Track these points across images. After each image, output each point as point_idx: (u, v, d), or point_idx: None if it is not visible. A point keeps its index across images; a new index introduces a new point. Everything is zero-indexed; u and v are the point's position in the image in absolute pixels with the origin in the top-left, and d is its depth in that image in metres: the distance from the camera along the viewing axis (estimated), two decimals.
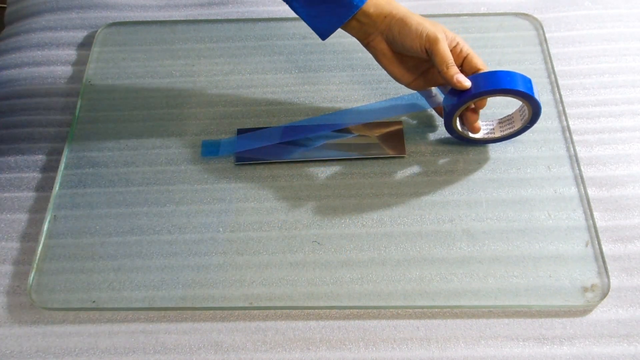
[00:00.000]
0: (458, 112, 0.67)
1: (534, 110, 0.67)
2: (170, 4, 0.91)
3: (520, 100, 0.66)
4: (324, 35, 0.70)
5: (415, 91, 0.73)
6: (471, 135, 0.72)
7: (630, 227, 0.67)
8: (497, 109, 0.75)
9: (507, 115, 0.72)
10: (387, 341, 0.61)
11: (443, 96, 0.68)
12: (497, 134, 0.72)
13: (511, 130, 0.71)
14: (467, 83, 0.64)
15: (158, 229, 0.69)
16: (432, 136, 0.75)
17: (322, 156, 0.73)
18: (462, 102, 0.66)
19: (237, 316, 0.63)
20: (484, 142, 0.73)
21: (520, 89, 0.64)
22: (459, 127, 0.70)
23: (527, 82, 0.65)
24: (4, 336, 0.63)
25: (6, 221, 0.70)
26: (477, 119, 0.69)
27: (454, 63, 0.65)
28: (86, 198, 0.71)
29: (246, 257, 0.66)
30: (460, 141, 0.73)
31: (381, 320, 0.62)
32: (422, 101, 0.73)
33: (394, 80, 0.72)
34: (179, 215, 0.70)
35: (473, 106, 0.69)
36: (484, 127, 0.72)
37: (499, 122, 0.73)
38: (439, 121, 0.75)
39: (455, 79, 0.64)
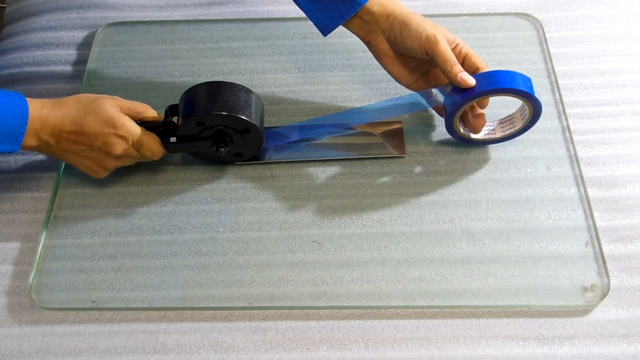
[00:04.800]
0: (459, 112, 0.67)
1: (534, 110, 0.67)
2: (170, 4, 0.90)
3: (521, 99, 0.66)
4: (325, 30, 0.69)
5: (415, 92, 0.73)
6: (472, 135, 0.71)
7: (630, 227, 0.67)
8: (497, 109, 0.75)
9: (508, 116, 0.72)
10: (387, 341, 0.61)
11: (443, 97, 0.68)
12: (498, 134, 0.72)
13: (512, 130, 0.71)
14: (471, 81, 0.64)
15: (158, 229, 0.69)
16: (432, 136, 0.75)
17: (322, 156, 0.73)
18: (464, 102, 0.66)
19: (237, 316, 0.63)
20: (484, 142, 0.73)
21: (521, 89, 0.64)
22: (460, 128, 0.70)
23: (528, 81, 0.65)
24: (4, 336, 0.63)
25: (6, 221, 0.70)
26: (484, 122, 0.69)
27: (457, 62, 0.65)
28: (86, 198, 0.71)
29: (246, 257, 0.66)
30: (461, 142, 0.73)
31: (381, 320, 0.62)
32: (422, 101, 0.73)
33: (394, 80, 0.72)
34: (179, 215, 0.70)
35: (478, 111, 0.69)
36: (484, 127, 0.72)
37: (500, 122, 0.73)
38: (439, 121, 0.75)
39: (459, 78, 0.64)
